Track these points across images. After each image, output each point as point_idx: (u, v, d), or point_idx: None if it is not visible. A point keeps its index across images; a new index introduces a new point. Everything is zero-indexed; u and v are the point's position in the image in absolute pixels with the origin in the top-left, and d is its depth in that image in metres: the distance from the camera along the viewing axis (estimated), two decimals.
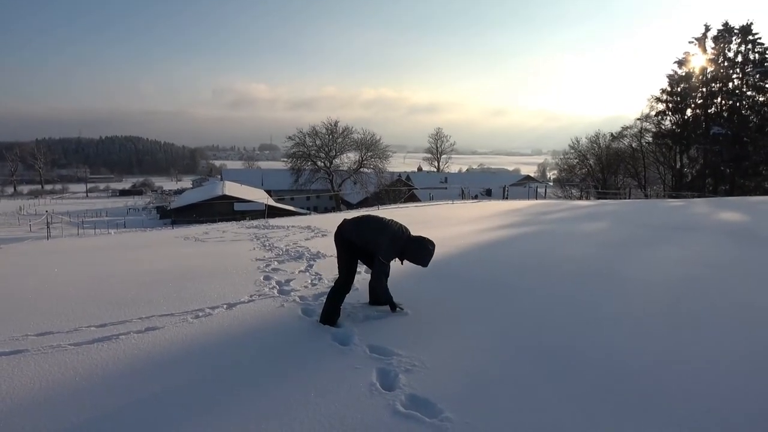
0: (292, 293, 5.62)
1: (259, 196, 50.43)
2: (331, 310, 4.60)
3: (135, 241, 13.85)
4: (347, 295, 4.76)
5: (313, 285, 6.01)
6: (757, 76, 38.27)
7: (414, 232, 4.81)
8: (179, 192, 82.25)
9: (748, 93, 39.17)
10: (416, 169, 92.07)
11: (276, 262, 7.53)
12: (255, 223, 16.98)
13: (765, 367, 3.51)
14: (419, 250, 4.61)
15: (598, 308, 4.87)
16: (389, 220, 4.81)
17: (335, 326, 4.46)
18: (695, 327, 4.32)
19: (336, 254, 4.83)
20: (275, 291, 5.75)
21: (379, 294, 4.75)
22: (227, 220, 23.93)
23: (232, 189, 52.79)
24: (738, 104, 39.15)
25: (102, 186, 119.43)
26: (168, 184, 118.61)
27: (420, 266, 4.72)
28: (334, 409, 2.94)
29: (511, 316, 4.70)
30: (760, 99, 38.78)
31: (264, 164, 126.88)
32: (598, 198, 36.46)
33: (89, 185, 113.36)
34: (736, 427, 2.74)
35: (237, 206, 45.08)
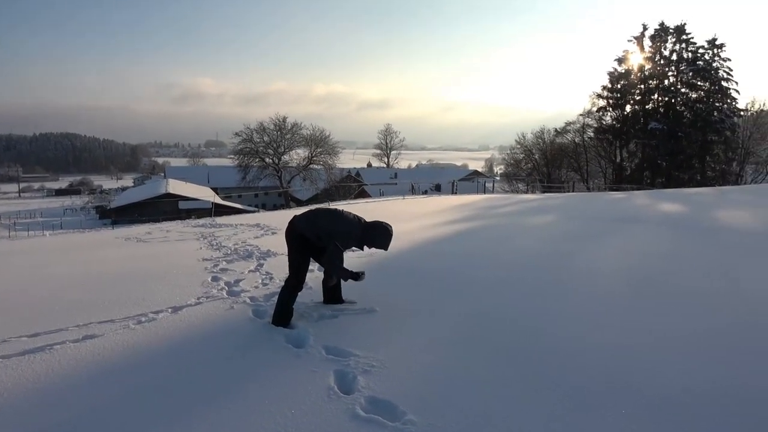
0: (242, 294, 5.39)
1: (205, 194, 49.02)
2: (284, 311, 4.40)
3: (71, 242, 13.10)
4: (300, 294, 4.58)
5: (264, 285, 5.79)
6: (690, 74, 40.17)
7: None
8: (121, 191, 79.04)
9: (682, 90, 41.04)
10: (366, 165, 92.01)
11: (224, 262, 7.24)
12: (201, 221, 16.41)
13: (718, 352, 3.57)
14: (378, 233, 4.45)
15: (555, 301, 4.89)
16: (342, 210, 4.67)
17: (288, 327, 4.28)
18: (653, 315, 4.39)
19: (287, 252, 4.65)
20: (224, 292, 5.49)
21: (336, 274, 4.48)
22: (172, 219, 23.06)
23: (176, 187, 51.13)
24: (673, 101, 40.93)
25: (36, 185, 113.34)
26: (108, 183, 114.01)
27: (381, 249, 4.53)
28: (290, 416, 2.78)
29: (469, 309, 4.65)
30: (693, 96, 40.75)
31: (210, 161, 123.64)
32: (544, 192, 37.37)
33: (22, 185, 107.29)
34: (693, 408, 2.76)
35: (182, 204, 43.68)
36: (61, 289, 5.86)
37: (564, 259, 6.72)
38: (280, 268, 6.45)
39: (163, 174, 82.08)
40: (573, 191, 36.35)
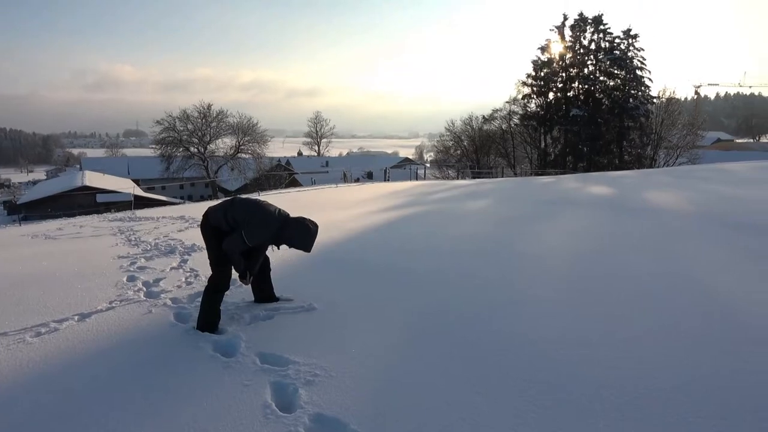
0: (162, 295, 4.81)
1: (125, 186, 46.31)
2: (210, 314, 3.90)
3: None
4: (228, 294, 4.09)
5: (189, 284, 5.22)
6: (608, 62, 42.21)
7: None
8: (32, 184, 73.49)
9: (601, 78, 43.03)
10: (296, 154, 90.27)
11: (143, 259, 6.56)
12: (119, 215, 15.26)
13: (675, 333, 3.44)
14: (299, 232, 3.90)
15: (507, 291, 4.64)
16: (264, 201, 4.16)
17: (216, 333, 3.79)
18: (603, 299, 4.23)
19: (205, 248, 4.12)
20: (141, 294, 4.89)
21: (230, 259, 3.94)
22: (89, 213, 21.48)
23: (93, 179, 48.01)
24: (592, 88, 42.75)
25: None
26: (17, 177, 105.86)
27: (303, 252, 4.00)
28: None
29: (418, 305, 4.31)
30: (611, 84, 42.88)
31: (130, 152, 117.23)
32: (474, 177, 37.99)
33: None
34: (663, 394, 2.56)
35: (100, 198, 41.15)
36: None
37: (508, 244, 6.55)
38: (206, 264, 5.82)
39: (78, 166, 77.10)
40: (502, 177, 37.17)
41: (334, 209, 11.74)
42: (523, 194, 12.72)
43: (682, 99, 53.61)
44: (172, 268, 5.94)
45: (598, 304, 4.14)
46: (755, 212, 8.06)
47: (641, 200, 10.37)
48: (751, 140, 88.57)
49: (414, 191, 16.37)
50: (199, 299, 4.23)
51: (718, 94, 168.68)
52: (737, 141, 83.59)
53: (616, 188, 12.95)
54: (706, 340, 3.39)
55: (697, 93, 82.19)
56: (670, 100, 43.41)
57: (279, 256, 4.26)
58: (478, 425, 2.47)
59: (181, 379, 3.05)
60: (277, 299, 4.44)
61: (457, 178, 40.15)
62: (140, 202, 27.12)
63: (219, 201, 4.41)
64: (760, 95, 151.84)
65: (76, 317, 4.18)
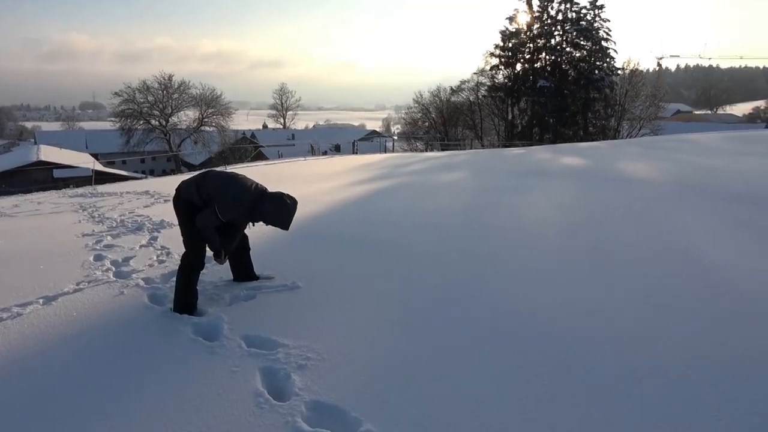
0: (134, 275, 4.52)
1: (83, 160, 44.50)
2: (186, 294, 3.67)
3: None
4: (205, 273, 3.86)
5: (161, 262, 4.94)
6: (574, 33, 42.31)
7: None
8: None
9: (567, 49, 43.15)
10: (261, 127, 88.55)
11: (109, 237, 6.21)
12: (80, 191, 14.59)
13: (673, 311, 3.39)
14: (276, 207, 3.66)
15: (494, 262, 4.54)
16: (239, 174, 3.91)
17: (195, 315, 3.57)
18: (598, 273, 4.17)
19: (178, 224, 3.87)
20: (110, 274, 4.59)
21: (204, 236, 3.69)
22: (46, 189, 20.54)
23: (49, 154, 46.01)
24: (559, 59, 42.89)
25: None
26: None
27: (281, 229, 3.77)
28: None
29: (401, 280, 4.16)
30: (577, 55, 43.08)
31: (88, 125, 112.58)
32: (443, 149, 37.92)
33: None
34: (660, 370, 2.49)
35: (57, 173, 39.53)
36: None
37: (490, 216, 6.45)
38: (178, 240, 5.51)
39: (33, 140, 73.77)
40: (471, 149, 37.18)
41: (305, 183, 11.45)
42: (497, 166, 12.65)
43: (645, 71, 54.44)
44: (141, 246, 5.64)
45: (593, 278, 4.07)
46: (731, 182, 8.16)
47: (617, 171, 10.42)
48: (709, 112, 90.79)
49: (386, 164, 16.15)
50: (174, 279, 3.99)
51: (678, 66, 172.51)
52: (696, 113, 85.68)
53: (588, 159, 13.01)
54: (709, 313, 3.34)
55: (659, 65, 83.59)
56: (633, 71, 43.97)
57: (255, 230, 4.03)
58: (501, 403, 2.35)
59: (162, 366, 2.83)
60: (257, 278, 4.22)
61: (426, 151, 40.04)
62: (100, 178, 26.05)
63: (191, 174, 4.13)
64: (718, 67, 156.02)
65: (40, 300, 3.88)
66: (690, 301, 3.52)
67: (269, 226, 3.78)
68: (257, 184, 3.83)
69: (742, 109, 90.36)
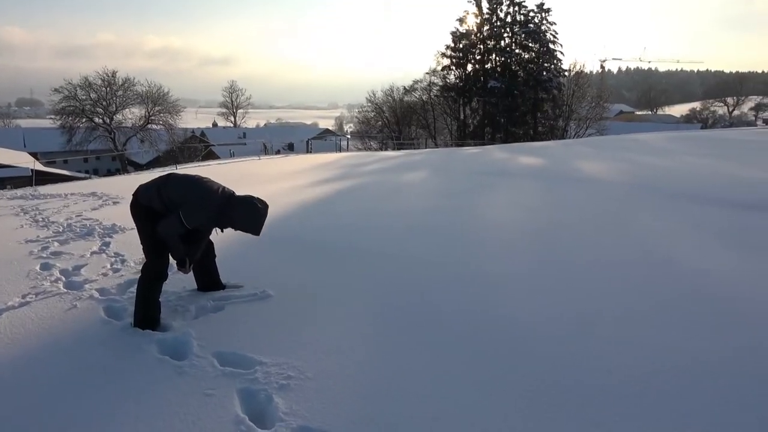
0: (87, 286, 4.19)
1: (21, 159, 42.21)
2: (148, 307, 3.40)
3: None
4: (167, 283, 3.59)
5: (116, 271, 4.61)
6: (523, 35, 43.36)
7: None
8: None
9: (516, 51, 44.23)
10: (211, 125, 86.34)
11: (56, 243, 5.78)
12: (19, 192, 13.71)
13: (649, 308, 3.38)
14: (246, 212, 3.41)
15: (468, 266, 4.44)
16: (205, 177, 3.63)
17: (159, 330, 3.30)
18: (575, 276, 4.14)
19: (136, 230, 3.58)
20: (60, 285, 4.24)
21: (168, 244, 3.42)
22: None
23: None
24: (509, 61, 43.86)
25: None
26: None
27: (251, 235, 3.52)
28: None
29: (376, 287, 4.01)
30: (525, 56, 44.24)
31: (25, 122, 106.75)
32: (398, 148, 37.98)
33: None
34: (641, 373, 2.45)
35: None
36: None
37: (457, 218, 6.38)
38: (133, 246, 5.20)
39: None
40: (425, 148, 37.37)
41: (260, 183, 11.14)
42: (455, 166, 12.68)
43: (590, 73, 56.19)
44: (93, 253, 5.26)
45: (570, 282, 4.02)
46: (685, 183, 8.38)
47: (575, 170, 10.59)
48: (650, 112, 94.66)
49: (342, 163, 15.96)
50: (132, 290, 3.73)
51: (620, 68, 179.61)
52: (638, 113, 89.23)
53: (544, 159, 13.21)
54: (688, 317, 3.35)
55: (602, 67, 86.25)
56: (579, 73, 45.42)
57: (218, 235, 3.79)
58: (489, 425, 2.23)
59: (127, 391, 2.57)
60: (224, 286, 3.99)
61: (381, 150, 39.99)
62: (41, 178, 24.70)
63: (145, 177, 3.83)
64: (657, 70, 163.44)
65: None
66: (668, 305, 3.52)
67: (237, 231, 3.55)
68: (224, 187, 3.58)
69: (679, 110, 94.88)
